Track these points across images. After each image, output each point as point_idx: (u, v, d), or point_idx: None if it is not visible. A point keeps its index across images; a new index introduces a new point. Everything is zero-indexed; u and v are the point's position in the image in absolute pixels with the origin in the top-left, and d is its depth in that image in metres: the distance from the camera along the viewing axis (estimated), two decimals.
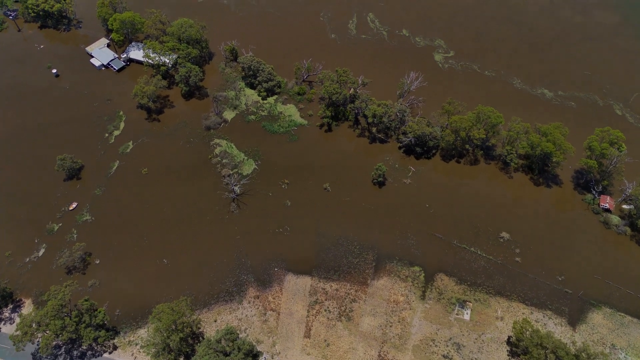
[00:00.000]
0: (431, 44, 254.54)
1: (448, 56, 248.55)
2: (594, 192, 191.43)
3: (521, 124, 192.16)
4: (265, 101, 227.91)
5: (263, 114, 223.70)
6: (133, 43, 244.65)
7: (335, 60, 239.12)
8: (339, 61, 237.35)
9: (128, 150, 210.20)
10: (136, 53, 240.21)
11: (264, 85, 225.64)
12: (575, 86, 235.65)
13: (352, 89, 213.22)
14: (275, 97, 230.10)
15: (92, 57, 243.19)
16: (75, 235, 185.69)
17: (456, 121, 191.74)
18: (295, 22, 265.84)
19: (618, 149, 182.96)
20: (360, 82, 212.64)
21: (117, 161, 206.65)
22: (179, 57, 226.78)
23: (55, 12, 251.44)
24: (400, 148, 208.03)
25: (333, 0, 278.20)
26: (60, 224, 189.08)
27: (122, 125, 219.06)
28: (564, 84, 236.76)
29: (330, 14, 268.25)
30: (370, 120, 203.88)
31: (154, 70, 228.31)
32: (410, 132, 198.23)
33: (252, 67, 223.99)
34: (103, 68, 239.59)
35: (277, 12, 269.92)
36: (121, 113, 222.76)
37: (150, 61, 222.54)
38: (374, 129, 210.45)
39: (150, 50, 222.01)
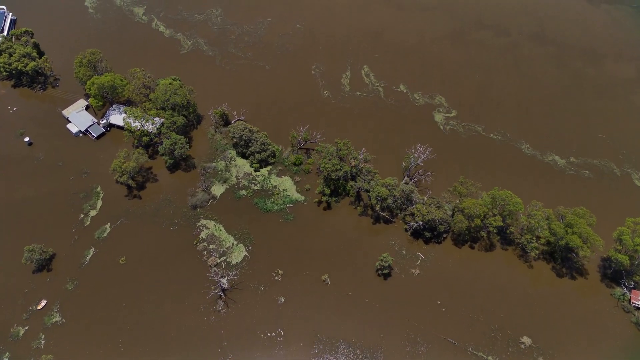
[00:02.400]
0: (431, 101, 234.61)
1: (450, 116, 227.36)
2: (625, 287, 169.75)
3: (542, 210, 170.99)
4: (258, 173, 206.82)
5: (256, 188, 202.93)
6: (114, 106, 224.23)
7: (331, 122, 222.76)
8: (334, 123, 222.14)
9: (105, 235, 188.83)
10: (117, 118, 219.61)
11: (257, 156, 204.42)
12: (589, 151, 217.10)
13: (353, 163, 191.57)
14: (269, 167, 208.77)
15: (69, 121, 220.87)
16: (42, 342, 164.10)
17: (470, 207, 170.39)
18: (286, 77, 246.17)
19: None
20: (362, 157, 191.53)
21: (92, 248, 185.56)
22: (163, 124, 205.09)
23: (30, 71, 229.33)
24: (407, 230, 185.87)
25: (325, 51, 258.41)
26: (26, 327, 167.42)
27: (99, 203, 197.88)
28: (576, 148, 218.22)
29: (322, 67, 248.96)
30: (373, 202, 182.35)
31: (136, 141, 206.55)
32: (418, 217, 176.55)
33: (243, 137, 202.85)
34: (81, 135, 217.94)
35: (266, 66, 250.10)
36: (99, 189, 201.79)
37: (131, 131, 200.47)
38: (377, 206, 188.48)
39: (131, 118, 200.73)
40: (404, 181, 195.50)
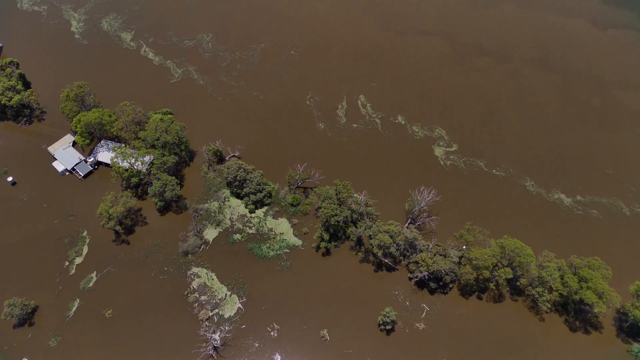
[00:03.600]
0: (430, 134, 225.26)
1: (450, 150, 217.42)
2: None
3: (554, 262, 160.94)
4: (253, 214, 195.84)
5: (250, 231, 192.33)
6: (102, 142, 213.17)
7: (327, 158, 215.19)
8: (331, 159, 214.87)
9: (91, 285, 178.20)
10: (105, 155, 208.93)
11: (252, 197, 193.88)
12: (596, 189, 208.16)
13: (354, 207, 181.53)
14: (265, 208, 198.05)
15: (55, 159, 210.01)
16: None
17: (478, 257, 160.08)
18: (280, 108, 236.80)
19: None
20: (362, 201, 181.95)
21: (77, 300, 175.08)
22: (153, 163, 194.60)
23: (15, 104, 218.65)
24: (411, 279, 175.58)
25: (320, 79, 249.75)
26: None
27: (85, 249, 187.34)
28: (583, 185, 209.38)
29: (317, 97, 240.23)
30: (375, 251, 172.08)
31: (124, 182, 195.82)
32: (423, 267, 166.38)
33: (238, 177, 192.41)
34: (67, 173, 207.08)
35: (260, 96, 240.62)
36: (85, 233, 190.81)
37: (119, 173, 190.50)
38: (379, 252, 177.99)
39: (119, 158, 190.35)
40: (407, 224, 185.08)
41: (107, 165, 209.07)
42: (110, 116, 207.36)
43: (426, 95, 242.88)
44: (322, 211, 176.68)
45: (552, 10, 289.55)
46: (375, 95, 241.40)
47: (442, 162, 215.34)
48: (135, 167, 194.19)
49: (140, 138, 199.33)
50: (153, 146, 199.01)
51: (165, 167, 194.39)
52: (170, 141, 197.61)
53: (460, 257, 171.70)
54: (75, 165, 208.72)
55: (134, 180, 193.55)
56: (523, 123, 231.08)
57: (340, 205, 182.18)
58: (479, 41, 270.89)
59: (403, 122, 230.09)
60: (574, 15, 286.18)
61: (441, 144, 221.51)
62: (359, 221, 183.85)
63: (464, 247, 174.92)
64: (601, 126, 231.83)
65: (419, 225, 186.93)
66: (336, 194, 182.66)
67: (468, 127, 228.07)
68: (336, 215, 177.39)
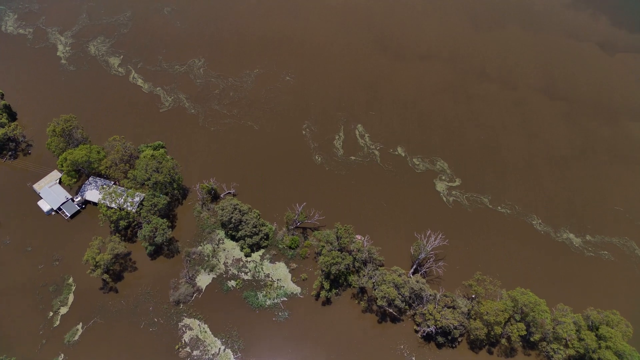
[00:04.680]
0: (432, 167, 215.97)
1: (453, 186, 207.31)
2: None
3: (570, 316, 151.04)
4: (249, 258, 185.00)
5: (246, 277, 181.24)
6: (90, 179, 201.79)
7: (326, 194, 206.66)
8: (329, 195, 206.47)
9: (76, 338, 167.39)
10: (93, 193, 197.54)
11: (248, 240, 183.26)
12: (606, 227, 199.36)
13: (357, 255, 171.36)
14: (262, 251, 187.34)
15: (41, 197, 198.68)
16: None
17: (489, 312, 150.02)
18: (276, 139, 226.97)
19: None
20: (365, 247, 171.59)
21: (62, 355, 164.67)
22: (143, 203, 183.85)
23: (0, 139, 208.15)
24: (417, 331, 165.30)
25: (316, 107, 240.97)
26: None
27: (70, 298, 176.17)
28: (592, 224, 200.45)
29: (314, 127, 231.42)
30: (379, 303, 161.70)
31: (112, 225, 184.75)
32: (430, 320, 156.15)
33: (233, 219, 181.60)
34: (53, 213, 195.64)
35: (254, 126, 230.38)
36: (70, 280, 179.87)
37: (106, 215, 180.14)
38: (383, 303, 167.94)
39: (107, 199, 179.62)
40: (412, 270, 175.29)
41: (95, 204, 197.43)
42: (98, 152, 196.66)
43: (426, 124, 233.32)
44: (323, 259, 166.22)
45: (559, 32, 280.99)
46: (374, 124, 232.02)
47: (444, 199, 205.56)
48: (124, 207, 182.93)
49: (130, 178, 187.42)
50: (143, 184, 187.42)
51: (156, 209, 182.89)
52: (162, 181, 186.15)
53: (470, 312, 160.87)
54: (61, 205, 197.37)
55: (123, 223, 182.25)
56: (528, 155, 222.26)
57: (341, 252, 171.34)
58: (482, 66, 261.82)
59: (403, 154, 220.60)
60: (582, 38, 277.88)
61: (443, 178, 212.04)
62: (362, 269, 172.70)
63: (473, 295, 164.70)
64: (610, 159, 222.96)
65: (425, 271, 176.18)
66: (337, 239, 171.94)
67: (471, 159, 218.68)
68: (337, 263, 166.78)
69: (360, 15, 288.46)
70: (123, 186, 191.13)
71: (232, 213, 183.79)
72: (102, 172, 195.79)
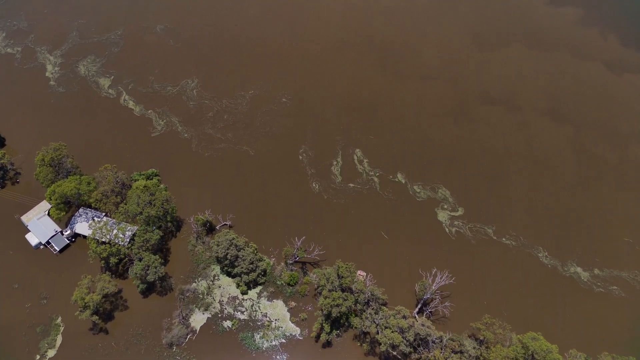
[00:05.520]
0: (433, 195, 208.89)
1: (455, 215, 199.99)
2: None
3: None
4: (245, 296, 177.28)
5: (242, 317, 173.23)
6: (80, 211, 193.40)
7: (324, 224, 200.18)
8: (328, 225, 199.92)
9: None
10: (84, 226, 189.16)
11: (245, 277, 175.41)
12: (614, 260, 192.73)
13: (359, 296, 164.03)
14: (259, 287, 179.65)
15: (29, 230, 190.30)
16: None
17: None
18: (272, 165, 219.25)
19: None
20: (367, 287, 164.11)
21: None
22: (134, 239, 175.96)
23: None
24: None
25: (313, 130, 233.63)
26: None
27: (59, 340, 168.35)
28: (600, 256, 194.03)
29: (311, 152, 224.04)
30: (383, 349, 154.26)
31: (102, 262, 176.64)
32: None
33: (229, 255, 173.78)
34: (41, 247, 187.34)
35: (250, 151, 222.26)
36: (59, 320, 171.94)
37: (96, 252, 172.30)
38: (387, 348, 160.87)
39: (97, 234, 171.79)
40: (417, 310, 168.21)
41: (85, 237, 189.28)
42: (89, 184, 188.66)
43: (427, 149, 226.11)
44: (323, 301, 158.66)
45: (564, 51, 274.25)
46: (373, 148, 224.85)
47: (447, 230, 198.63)
48: (116, 241, 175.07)
49: (121, 212, 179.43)
50: (132, 219, 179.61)
51: (148, 244, 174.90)
52: (155, 215, 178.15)
53: (479, 356, 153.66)
54: (50, 238, 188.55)
55: (114, 260, 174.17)
56: (534, 182, 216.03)
57: (343, 292, 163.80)
58: (485, 87, 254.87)
59: (403, 181, 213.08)
60: (588, 58, 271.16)
61: (445, 207, 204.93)
62: (364, 310, 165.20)
63: (482, 337, 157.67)
64: (618, 185, 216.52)
65: (430, 312, 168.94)
66: (338, 277, 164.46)
67: (473, 186, 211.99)
68: (339, 305, 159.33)
69: (359, 34, 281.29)
70: (114, 218, 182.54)
71: (228, 249, 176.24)
72: (92, 205, 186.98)
